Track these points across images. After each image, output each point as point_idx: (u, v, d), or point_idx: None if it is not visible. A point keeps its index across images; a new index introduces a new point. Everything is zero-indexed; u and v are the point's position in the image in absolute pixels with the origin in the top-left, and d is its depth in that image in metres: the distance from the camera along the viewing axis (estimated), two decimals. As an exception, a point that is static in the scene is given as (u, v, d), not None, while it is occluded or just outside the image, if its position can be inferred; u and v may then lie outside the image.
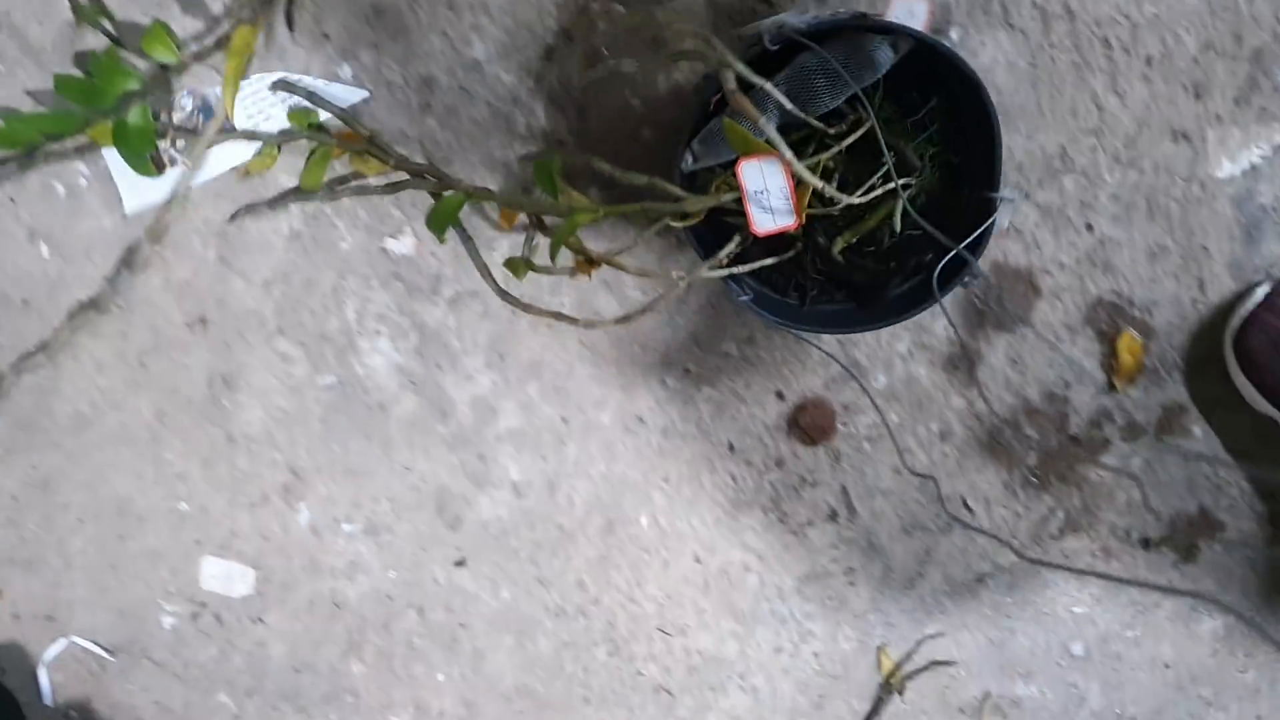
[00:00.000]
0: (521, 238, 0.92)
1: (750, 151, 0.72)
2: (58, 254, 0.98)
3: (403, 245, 0.96)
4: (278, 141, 0.91)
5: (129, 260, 0.97)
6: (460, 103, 0.94)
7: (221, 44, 0.94)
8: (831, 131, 0.80)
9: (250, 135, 0.91)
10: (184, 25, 0.90)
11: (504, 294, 0.81)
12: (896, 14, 0.89)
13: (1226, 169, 0.89)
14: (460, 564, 1.03)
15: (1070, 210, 0.91)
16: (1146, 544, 0.98)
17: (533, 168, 0.82)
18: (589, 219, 0.75)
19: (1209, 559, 0.99)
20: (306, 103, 0.92)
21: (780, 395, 0.97)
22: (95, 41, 0.91)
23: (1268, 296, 0.86)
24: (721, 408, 0.97)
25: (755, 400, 0.97)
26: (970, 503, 0.99)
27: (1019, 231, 0.93)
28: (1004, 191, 0.79)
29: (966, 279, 0.80)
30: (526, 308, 0.80)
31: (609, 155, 0.94)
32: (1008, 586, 1.02)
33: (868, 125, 0.78)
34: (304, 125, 0.91)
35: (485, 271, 0.83)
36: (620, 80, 0.91)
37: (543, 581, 1.02)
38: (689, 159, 0.81)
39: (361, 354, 0.98)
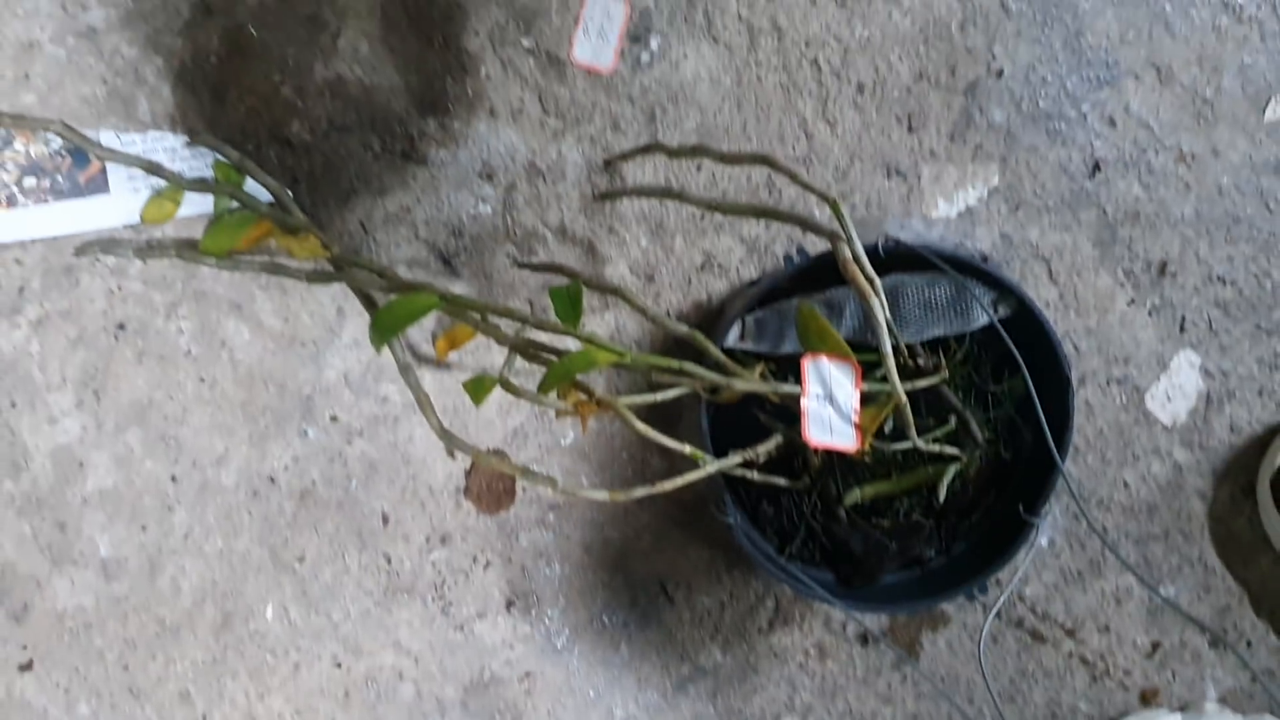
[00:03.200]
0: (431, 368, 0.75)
1: (824, 349, 0.57)
2: None
3: (-23, 250, 0.76)
4: (190, 189, 0.72)
5: None
6: (66, 76, 0.77)
7: None
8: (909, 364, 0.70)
9: (155, 170, 0.71)
10: None
11: (449, 437, 0.61)
12: (591, 14, 0.79)
13: (943, 209, 0.81)
14: (26, 668, 0.78)
15: (777, 246, 0.80)
16: (865, 640, 0.83)
17: (549, 294, 0.64)
18: (611, 361, 0.58)
19: (932, 655, 0.85)
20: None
21: (450, 452, 0.80)
22: None
23: None
24: (375, 466, 0.79)
25: (419, 458, 0.79)
26: (669, 589, 0.83)
27: (722, 267, 0.81)
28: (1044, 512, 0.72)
29: (974, 592, 0.72)
30: (489, 459, 0.60)
31: (250, 149, 0.78)
32: (710, 693, 0.84)
33: (940, 377, 0.68)
34: (231, 181, 0.73)
35: (426, 405, 0.63)
36: (268, 63, 0.77)
37: (135, 693, 0.79)
38: (736, 334, 0.69)
39: (-87, 387, 0.76)
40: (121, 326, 0.79)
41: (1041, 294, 0.84)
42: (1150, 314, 0.85)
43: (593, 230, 0.82)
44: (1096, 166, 0.84)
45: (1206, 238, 0.85)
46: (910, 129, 0.83)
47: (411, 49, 0.81)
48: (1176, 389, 0.85)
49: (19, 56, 0.78)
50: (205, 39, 0.79)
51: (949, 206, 0.83)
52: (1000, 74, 0.82)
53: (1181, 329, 0.85)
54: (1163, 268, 0.85)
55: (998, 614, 0.85)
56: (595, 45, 0.81)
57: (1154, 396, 0.86)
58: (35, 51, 0.78)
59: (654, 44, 0.81)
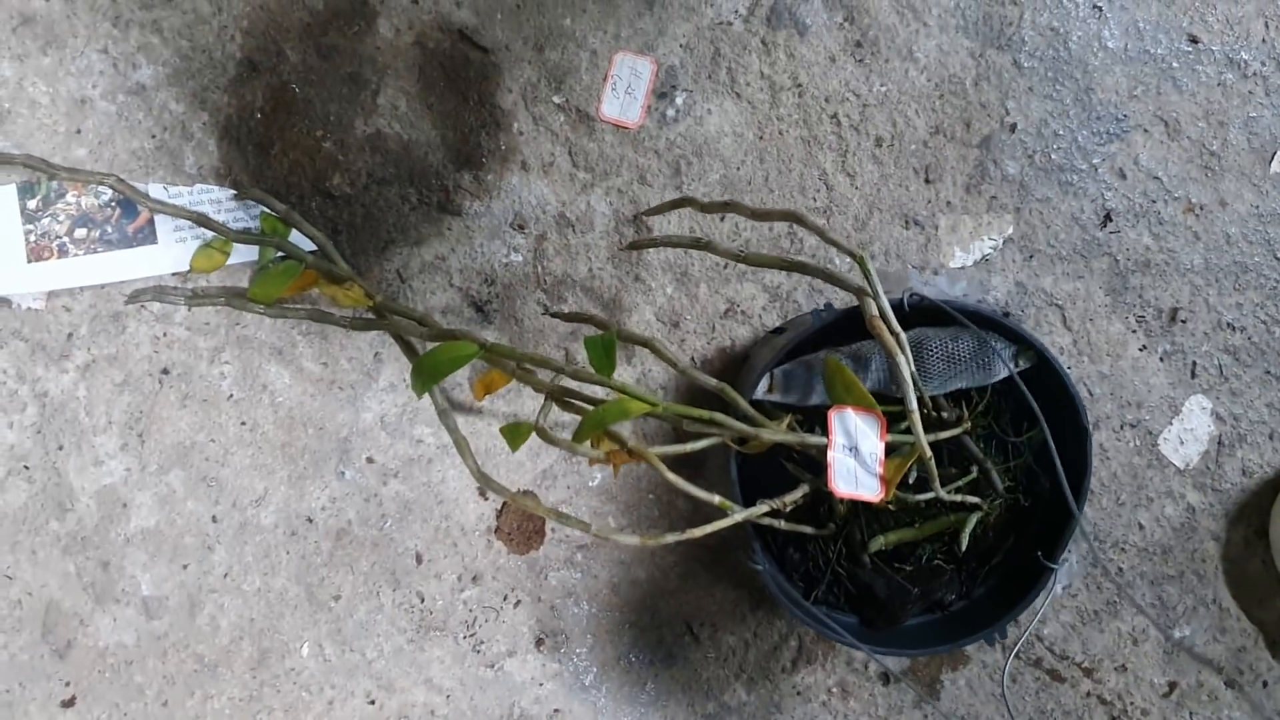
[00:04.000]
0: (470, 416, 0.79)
1: (851, 401, 0.61)
2: None
3: (29, 297, 0.80)
4: (238, 240, 0.77)
5: None
6: (116, 130, 0.80)
7: None
8: (933, 415, 0.73)
9: (203, 222, 0.76)
10: None
11: (486, 480, 0.64)
12: (619, 72, 0.82)
13: (959, 258, 0.84)
14: (68, 704, 0.81)
15: (799, 294, 0.83)
16: (886, 679, 0.85)
17: (584, 343, 0.67)
18: (644, 411, 0.61)
19: (953, 694, 0.87)
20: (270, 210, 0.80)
21: (482, 492, 0.82)
22: None
23: None
24: (409, 506, 0.82)
25: (452, 499, 0.82)
26: (695, 628, 0.85)
27: (746, 314, 0.84)
28: (1061, 559, 0.74)
29: (994, 636, 0.74)
30: (524, 501, 0.63)
31: (293, 200, 0.82)
32: (736, 731, 0.86)
33: (963, 429, 0.72)
34: (278, 233, 0.77)
35: (464, 449, 0.67)
36: (311, 119, 0.80)
37: (173, 729, 0.81)
38: (765, 386, 0.72)
39: (-36, 430, 0.80)
40: (166, 371, 0.82)
41: (1056, 340, 0.87)
42: (1162, 359, 0.88)
43: (620, 278, 0.85)
44: (1108, 217, 0.86)
45: (1215, 286, 0.88)
46: (927, 181, 0.86)
47: (448, 105, 0.84)
48: (1189, 433, 0.88)
49: (71, 112, 0.82)
50: (250, 95, 0.83)
51: (965, 256, 0.86)
52: (1013, 128, 0.86)
53: (1193, 374, 0.88)
54: (1173, 315, 0.87)
55: (1017, 654, 0.87)
56: (623, 101, 0.85)
57: (1167, 440, 0.88)
58: (87, 108, 0.81)
59: (679, 100, 0.85)
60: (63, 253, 0.81)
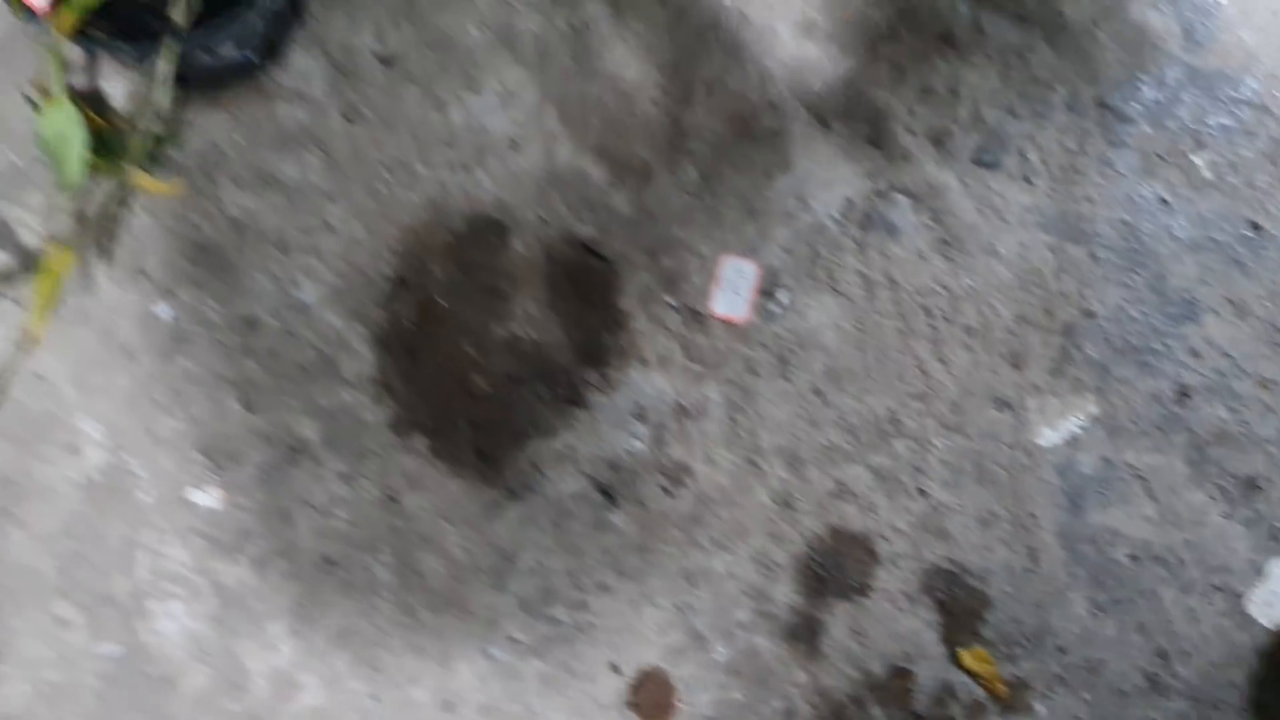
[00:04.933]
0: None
1: None
2: None
3: (207, 497, 0.89)
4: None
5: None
6: (283, 345, 0.90)
7: (27, 268, 0.90)
8: None
9: None
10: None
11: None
12: (726, 274, 0.92)
13: (1048, 437, 0.91)
14: None
15: (903, 474, 0.91)
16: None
17: None
18: None
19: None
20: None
21: (616, 668, 0.90)
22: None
23: None
24: (551, 683, 0.90)
25: (588, 674, 0.90)
26: (819, 791, 0.92)
27: (854, 494, 0.91)
28: None
29: None
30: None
31: (439, 398, 0.91)
32: None
33: None
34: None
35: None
36: (454, 327, 0.90)
37: None
38: None
39: (150, 618, 0.89)
40: (330, 560, 0.91)
41: (1141, 510, 0.93)
42: (1244, 525, 0.94)
43: (734, 461, 0.93)
44: (1184, 393, 0.93)
45: (1290, 452, 0.94)
46: (1015, 366, 0.93)
47: (574, 309, 0.94)
48: (1274, 594, 0.93)
49: (241, 329, 0.92)
50: (401, 309, 0.93)
51: (1054, 434, 0.93)
52: (1092, 315, 0.93)
53: (1274, 538, 0.94)
54: (1251, 483, 0.94)
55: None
56: (731, 300, 0.94)
57: (1253, 601, 0.94)
58: (256, 326, 0.92)
59: (782, 296, 0.94)
60: (238, 457, 0.91)
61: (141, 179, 0.85)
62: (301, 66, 0.97)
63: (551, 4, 1.00)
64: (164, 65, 0.80)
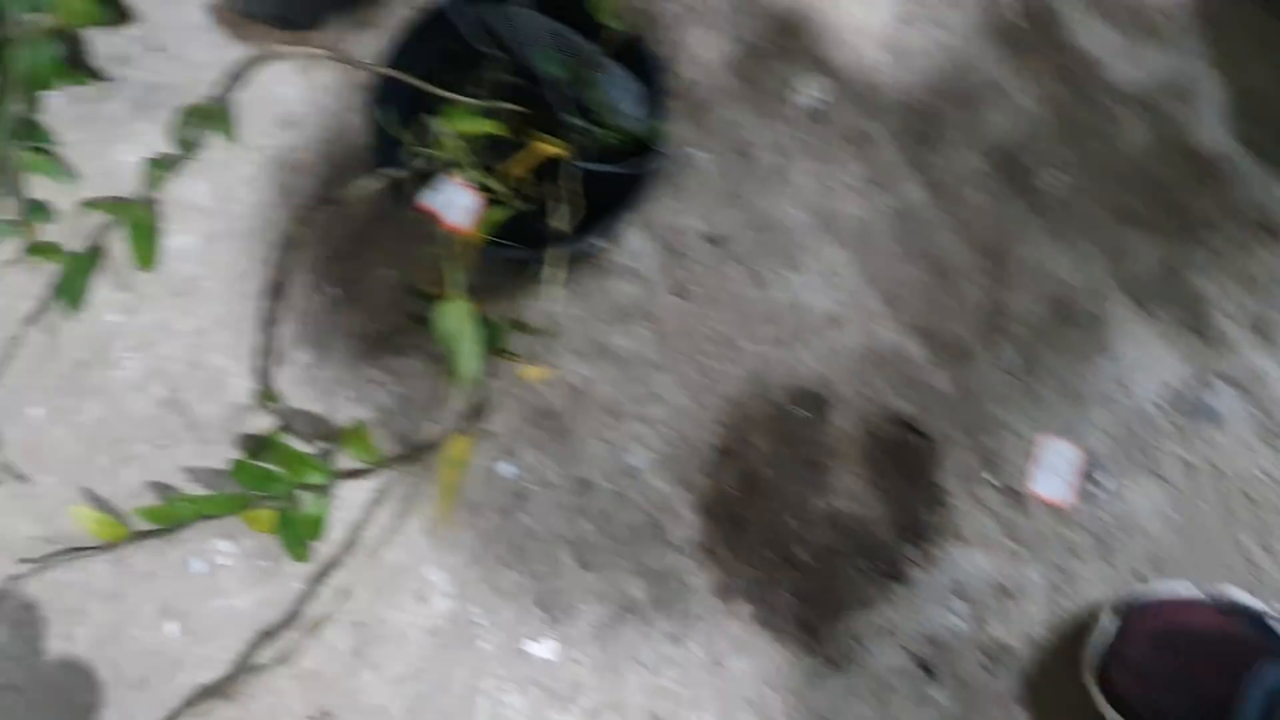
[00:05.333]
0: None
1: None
2: (187, 632, 0.97)
3: (544, 649, 0.95)
4: None
5: (261, 642, 0.96)
6: (614, 507, 0.96)
7: (420, 452, 0.98)
8: None
9: None
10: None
11: None
12: (1046, 455, 0.94)
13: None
14: None
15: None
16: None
17: None
18: None
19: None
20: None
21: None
22: (257, 424, 0.96)
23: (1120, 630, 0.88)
24: None
25: None
26: None
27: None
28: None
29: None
30: None
31: (761, 568, 0.95)
32: None
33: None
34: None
35: None
36: (776, 498, 0.95)
37: None
38: None
39: (487, 762, 0.95)
40: (656, 717, 0.96)
41: None
42: None
43: (1056, 643, 0.95)
44: None
45: None
46: (1351, 562, 0.93)
47: (894, 486, 0.98)
48: None
49: (577, 490, 0.98)
50: (724, 477, 0.98)
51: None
52: None
53: None
54: None
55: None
56: (1051, 481, 0.96)
57: None
58: (590, 488, 0.98)
59: (1103, 479, 0.95)
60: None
61: (527, 370, 0.93)
62: (635, 246, 1.05)
63: (872, 187, 1.05)
64: (551, 268, 0.88)
